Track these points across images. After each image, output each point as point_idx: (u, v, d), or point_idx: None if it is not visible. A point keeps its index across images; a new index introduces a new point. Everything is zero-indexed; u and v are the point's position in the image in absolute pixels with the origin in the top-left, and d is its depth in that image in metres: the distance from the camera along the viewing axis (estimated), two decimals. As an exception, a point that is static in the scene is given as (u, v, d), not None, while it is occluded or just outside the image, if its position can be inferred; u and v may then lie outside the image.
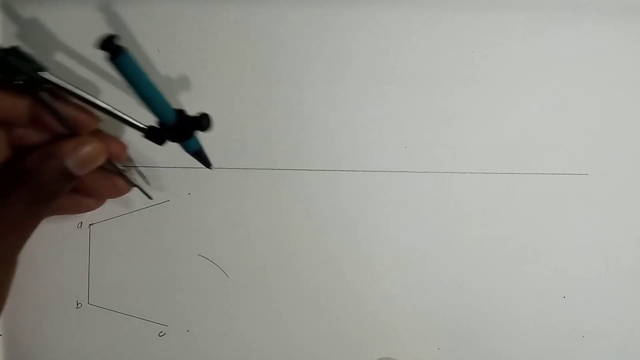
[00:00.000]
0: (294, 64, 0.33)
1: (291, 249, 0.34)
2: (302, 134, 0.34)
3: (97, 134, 0.28)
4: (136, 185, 0.31)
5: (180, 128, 0.27)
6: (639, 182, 0.35)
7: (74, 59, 0.32)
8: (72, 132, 0.26)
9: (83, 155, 0.25)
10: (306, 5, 0.33)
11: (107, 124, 0.28)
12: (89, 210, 0.31)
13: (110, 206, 0.32)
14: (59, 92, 0.25)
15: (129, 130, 0.27)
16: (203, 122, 0.27)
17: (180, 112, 0.27)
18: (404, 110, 0.34)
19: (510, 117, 0.35)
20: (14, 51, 0.23)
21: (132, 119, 0.27)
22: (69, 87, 0.25)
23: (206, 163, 0.31)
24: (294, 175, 0.33)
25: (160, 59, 0.32)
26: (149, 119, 0.27)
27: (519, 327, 0.35)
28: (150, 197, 0.32)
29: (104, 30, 0.32)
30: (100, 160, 0.26)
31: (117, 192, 0.31)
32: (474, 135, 0.34)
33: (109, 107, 0.26)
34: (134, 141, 0.32)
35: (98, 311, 0.33)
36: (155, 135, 0.27)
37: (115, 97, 0.32)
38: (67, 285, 0.32)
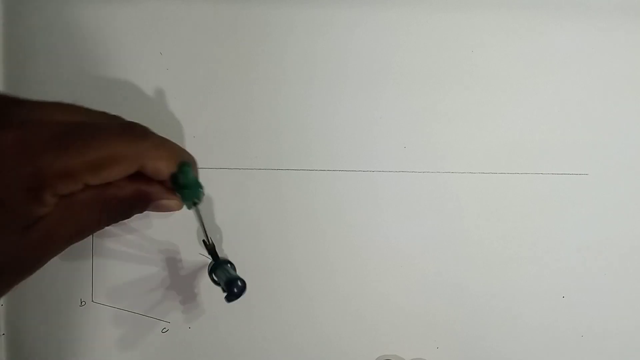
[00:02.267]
0: (294, 65, 0.34)
1: (291, 249, 0.34)
2: (302, 134, 0.34)
3: None
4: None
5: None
6: (639, 182, 0.35)
7: (74, 59, 0.32)
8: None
9: (164, 204, 0.28)
10: (306, 5, 0.33)
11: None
12: None
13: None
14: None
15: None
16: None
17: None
18: (404, 110, 0.34)
19: (510, 117, 0.35)
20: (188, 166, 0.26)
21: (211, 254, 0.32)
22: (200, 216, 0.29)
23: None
24: (293, 175, 0.34)
25: (162, 61, 0.33)
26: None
27: (518, 327, 0.35)
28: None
29: (106, 31, 0.32)
30: (173, 211, 0.29)
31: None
32: (474, 135, 0.34)
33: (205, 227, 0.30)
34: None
35: (102, 309, 0.33)
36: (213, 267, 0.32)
37: (111, 92, 0.32)
38: (71, 284, 0.33)
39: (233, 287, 0.28)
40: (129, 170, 0.25)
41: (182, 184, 0.26)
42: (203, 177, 0.33)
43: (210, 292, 0.34)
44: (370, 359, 0.35)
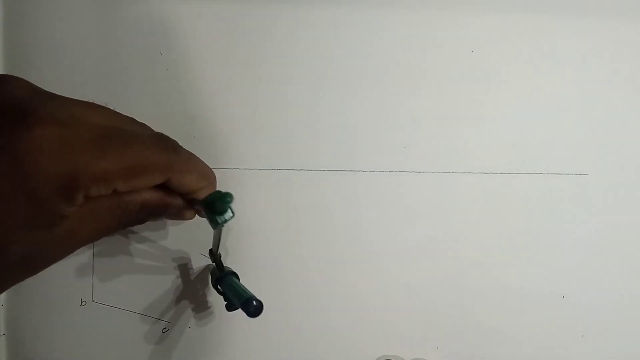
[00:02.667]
0: (295, 65, 0.34)
1: (291, 249, 0.34)
2: (301, 134, 0.34)
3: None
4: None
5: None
6: (639, 182, 0.35)
7: (75, 59, 0.32)
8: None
9: (181, 215, 0.29)
10: (308, 6, 0.33)
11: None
12: None
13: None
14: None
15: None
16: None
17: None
18: (404, 110, 0.34)
19: (510, 117, 0.35)
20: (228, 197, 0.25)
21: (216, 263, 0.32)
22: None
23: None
24: (293, 175, 0.34)
25: (162, 61, 0.33)
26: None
27: (518, 327, 0.35)
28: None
29: (106, 31, 0.32)
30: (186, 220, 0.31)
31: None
32: (474, 135, 0.35)
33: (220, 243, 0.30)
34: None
35: (102, 309, 0.33)
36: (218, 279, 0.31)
37: (111, 93, 0.32)
38: (72, 283, 0.33)
39: (249, 307, 0.27)
40: (158, 181, 0.25)
41: (218, 211, 0.26)
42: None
43: (211, 292, 0.34)
44: (371, 359, 0.35)
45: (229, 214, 0.26)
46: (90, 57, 0.32)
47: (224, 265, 0.33)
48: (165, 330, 0.34)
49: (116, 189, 0.23)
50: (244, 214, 0.34)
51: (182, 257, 0.34)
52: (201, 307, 0.34)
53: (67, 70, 0.32)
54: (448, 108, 0.34)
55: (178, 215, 0.30)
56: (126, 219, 0.26)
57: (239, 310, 0.33)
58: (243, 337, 0.34)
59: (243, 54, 0.33)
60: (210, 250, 0.32)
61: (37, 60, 0.32)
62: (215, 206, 0.25)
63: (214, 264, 0.32)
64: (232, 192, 0.25)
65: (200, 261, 0.34)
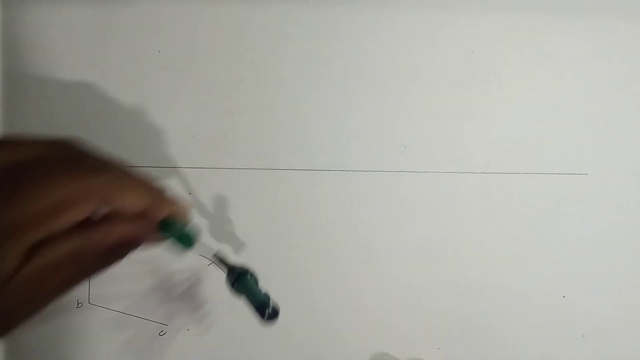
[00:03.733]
0: (295, 65, 0.34)
1: (290, 248, 0.34)
2: (302, 134, 0.34)
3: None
4: None
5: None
6: (638, 182, 0.35)
7: (73, 58, 0.32)
8: None
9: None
10: (306, 6, 0.33)
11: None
12: None
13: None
14: None
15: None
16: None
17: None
18: (404, 110, 0.34)
19: (510, 117, 0.35)
20: None
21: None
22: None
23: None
24: (293, 175, 0.34)
25: (161, 59, 0.33)
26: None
27: (518, 327, 0.35)
28: None
29: (105, 30, 0.32)
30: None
31: None
32: (474, 135, 0.35)
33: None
34: (137, 140, 0.32)
35: (99, 311, 0.33)
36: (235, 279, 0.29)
37: (110, 92, 0.32)
38: (68, 285, 0.33)
39: (264, 313, 0.26)
40: (92, 207, 0.22)
41: (177, 237, 0.25)
42: (202, 177, 0.33)
43: (209, 295, 0.34)
44: (371, 359, 0.35)
45: (192, 236, 0.25)
46: (89, 56, 0.32)
47: (229, 263, 0.31)
48: (162, 333, 0.33)
49: (53, 229, 0.21)
50: (244, 214, 0.33)
51: (180, 259, 0.33)
52: (200, 309, 0.34)
53: (65, 70, 0.32)
54: (448, 108, 0.34)
55: (157, 241, 0.26)
56: (98, 262, 0.24)
57: (235, 312, 0.33)
58: (241, 338, 0.34)
59: (243, 53, 0.33)
60: (215, 255, 0.30)
61: (35, 60, 0.32)
62: (182, 242, 0.25)
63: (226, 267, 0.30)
64: (191, 224, 0.24)
65: (199, 263, 0.33)
